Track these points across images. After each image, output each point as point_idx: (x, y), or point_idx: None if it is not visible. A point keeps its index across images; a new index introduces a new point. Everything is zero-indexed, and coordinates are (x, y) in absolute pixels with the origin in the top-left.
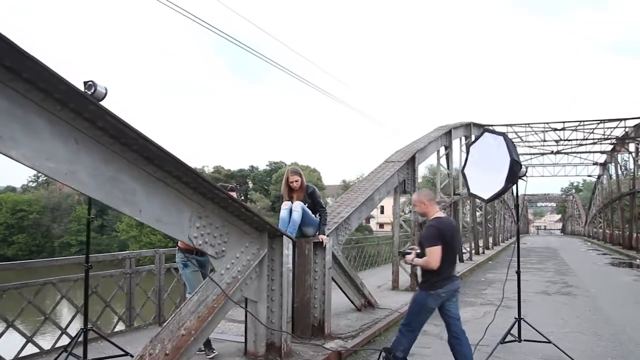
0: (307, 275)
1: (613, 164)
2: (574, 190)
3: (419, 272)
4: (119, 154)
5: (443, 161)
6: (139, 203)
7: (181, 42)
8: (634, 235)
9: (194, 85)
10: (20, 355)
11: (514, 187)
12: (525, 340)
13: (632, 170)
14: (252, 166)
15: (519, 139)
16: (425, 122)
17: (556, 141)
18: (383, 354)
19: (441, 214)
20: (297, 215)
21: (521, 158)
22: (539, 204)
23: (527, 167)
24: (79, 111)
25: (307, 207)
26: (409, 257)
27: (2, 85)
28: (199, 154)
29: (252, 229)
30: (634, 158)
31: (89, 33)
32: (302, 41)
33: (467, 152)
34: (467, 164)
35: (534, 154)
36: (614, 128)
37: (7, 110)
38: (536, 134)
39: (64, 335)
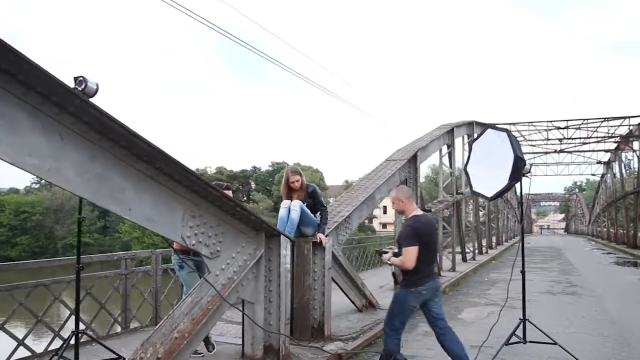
0: (306, 276)
1: (617, 162)
2: (577, 190)
3: (395, 270)
4: (106, 150)
5: (445, 160)
6: (128, 201)
7: (182, 42)
8: (639, 234)
9: (195, 85)
10: (12, 358)
11: (518, 184)
12: (530, 341)
13: (637, 168)
14: (254, 167)
15: (522, 138)
16: (428, 122)
17: (559, 140)
18: (384, 356)
19: (419, 212)
20: (295, 215)
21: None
22: (542, 204)
23: (531, 164)
24: (63, 105)
25: (308, 206)
26: (385, 256)
27: None
28: (201, 154)
29: (248, 228)
30: (638, 156)
31: (89, 33)
32: (303, 40)
33: (470, 149)
34: (470, 161)
35: (537, 153)
36: (618, 126)
37: None
38: (539, 132)
39: (57, 338)
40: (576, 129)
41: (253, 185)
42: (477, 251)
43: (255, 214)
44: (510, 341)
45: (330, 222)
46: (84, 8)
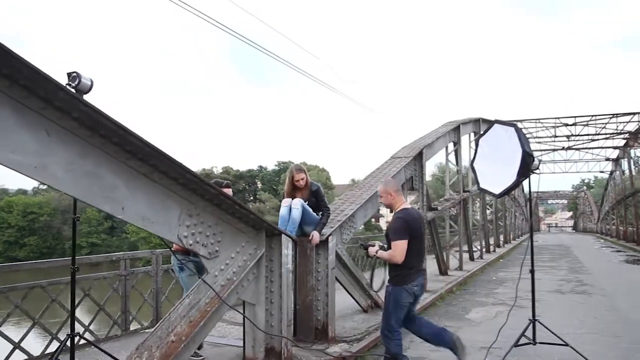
0: (309, 276)
1: (626, 159)
2: (585, 187)
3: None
4: (97, 147)
5: (452, 158)
6: (121, 200)
7: (189, 43)
8: None
9: (202, 86)
10: None
11: (526, 182)
12: (540, 342)
13: None
14: (260, 166)
15: (529, 135)
16: (434, 120)
17: (567, 137)
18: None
19: (408, 205)
20: (296, 213)
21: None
22: (549, 201)
23: (540, 160)
24: (49, 100)
25: (311, 206)
26: (372, 249)
27: None
28: (208, 154)
29: (248, 227)
30: None
31: (89, 33)
32: (308, 38)
33: (477, 145)
34: (477, 158)
35: (544, 150)
36: (627, 122)
37: None
38: (547, 129)
39: (55, 341)
40: (584, 125)
41: (259, 185)
42: (484, 250)
43: (255, 212)
44: (520, 342)
45: (334, 220)
46: (84, 8)
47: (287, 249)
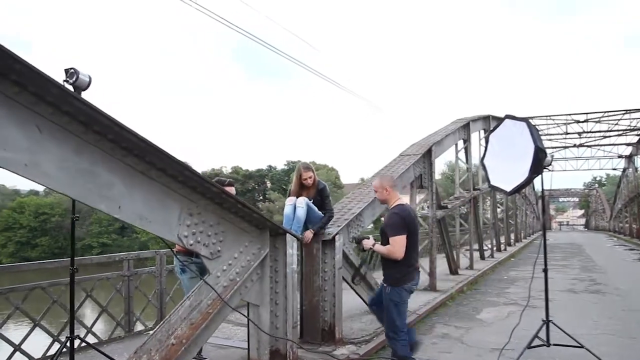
0: (315, 276)
1: (639, 156)
2: (597, 185)
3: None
4: (92, 144)
5: (461, 155)
6: (117, 199)
7: (193, 42)
8: None
9: (211, 86)
10: None
11: (538, 178)
12: (554, 344)
13: None
14: (270, 166)
15: (540, 132)
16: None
17: (579, 133)
18: None
19: (403, 201)
20: (301, 212)
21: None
22: (560, 199)
23: (552, 156)
24: (40, 95)
25: (316, 204)
26: (367, 243)
27: None
28: (217, 154)
29: (251, 226)
30: None
31: (89, 33)
32: (313, 36)
33: (487, 142)
34: (487, 154)
35: (555, 147)
36: None
37: None
38: (558, 126)
39: (56, 343)
40: (596, 122)
41: (269, 185)
42: (495, 249)
43: (259, 211)
44: (533, 344)
45: (341, 219)
46: (84, 8)
47: (292, 249)
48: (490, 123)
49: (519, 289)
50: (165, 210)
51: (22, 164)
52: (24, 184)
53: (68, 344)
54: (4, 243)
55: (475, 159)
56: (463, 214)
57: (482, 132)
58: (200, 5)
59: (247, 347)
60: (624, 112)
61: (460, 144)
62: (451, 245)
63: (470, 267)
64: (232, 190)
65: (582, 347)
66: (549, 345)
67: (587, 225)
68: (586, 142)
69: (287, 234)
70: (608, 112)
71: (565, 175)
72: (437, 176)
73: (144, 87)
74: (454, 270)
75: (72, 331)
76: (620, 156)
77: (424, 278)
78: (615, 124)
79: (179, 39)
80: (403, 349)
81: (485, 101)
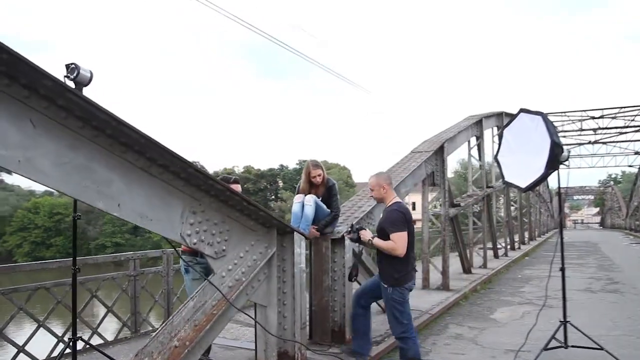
0: (324, 276)
1: None
2: (612, 182)
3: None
4: (89, 139)
5: (474, 152)
6: (116, 196)
7: (207, 43)
8: None
9: (224, 86)
10: None
11: (553, 175)
12: (572, 346)
13: None
14: (282, 165)
15: None
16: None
17: (594, 130)
18: None
19: (399, 199)
20: (309, 210)
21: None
22: (575, 197)
23: (569, 151)
24: (33, 88)
25: (323, 201)
26: (365, 234)
27: None
28: (229, 154)
29: (257, 225)
30: None
31: (90, 33)
32: (321, 34)
33: (501, 136)
34: (501, 150)
35: (570, 144)
36: None
37: None
38: (573, 123)
39: (61, 344)
40: (612, 118)
41: (281, 184)
42: (509, 247)
43: (265, 209)
44: (550, 345)
45: (351, 217)
46: (84, 8)
47: (300, 248)
48: (504, 120)
49: (534, 287)
50: (168, 208)
51: (15, 161)
52: (39, 185)
53: (71, 345)
54: (20, 243)
55: (488, 157)
56: (476, 212)
57: (495, 129)
58: (212, 3)
59: (254, 348)
60: None
61: (473, 141)
62: (464, 244)
63: (484, 265)
64: (237, 187)
65: (601, 349)
66: (566, 347)
67: (602, 224)
68: (601, 139)
69: (295, 233)
70: (624, 107)
71: (580, 173)
72: (449, 174)
73: (150, 88)
74: (467, 269)
75: (74, 332)
76: (636, 153)
77: (436, 277)
78: (632, 120)
79: (182, 38)
80: (415, 349)
81: (494, 100)
